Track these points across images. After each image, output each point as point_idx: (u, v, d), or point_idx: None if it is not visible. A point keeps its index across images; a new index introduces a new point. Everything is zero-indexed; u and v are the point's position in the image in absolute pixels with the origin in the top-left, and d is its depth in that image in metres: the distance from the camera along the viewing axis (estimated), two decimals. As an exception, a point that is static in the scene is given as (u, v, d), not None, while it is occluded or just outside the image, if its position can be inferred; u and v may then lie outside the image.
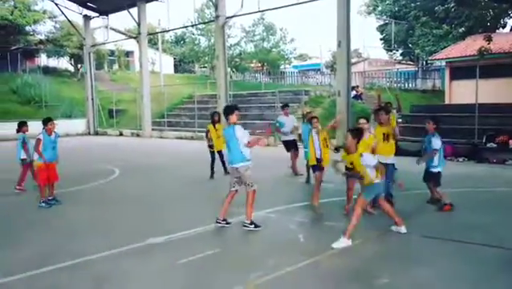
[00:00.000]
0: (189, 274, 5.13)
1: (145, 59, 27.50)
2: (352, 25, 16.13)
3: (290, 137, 11.91)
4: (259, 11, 22.56)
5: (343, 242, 5.84)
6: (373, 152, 7.31)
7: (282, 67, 43.72)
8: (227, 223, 6.92)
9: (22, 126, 10.06)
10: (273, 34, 42.35)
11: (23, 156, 9.88)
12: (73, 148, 20.27)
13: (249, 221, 6.73)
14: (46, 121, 8.76)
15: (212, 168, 11.51)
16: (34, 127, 10.49)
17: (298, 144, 11.84)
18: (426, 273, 5.01)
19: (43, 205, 8.50)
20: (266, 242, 6.27)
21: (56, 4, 28.98)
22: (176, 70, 48.86)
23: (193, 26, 40.03)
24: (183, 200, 9.17)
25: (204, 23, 38.20)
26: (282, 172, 11.83)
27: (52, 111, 29.77)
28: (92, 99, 30.54)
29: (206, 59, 42.77)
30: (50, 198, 8.71)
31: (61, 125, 27.83)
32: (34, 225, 7.49)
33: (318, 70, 41.80)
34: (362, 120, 7.63)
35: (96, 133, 30.35)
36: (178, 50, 49.02)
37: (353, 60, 26.64)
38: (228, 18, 21.94)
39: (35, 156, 8.65)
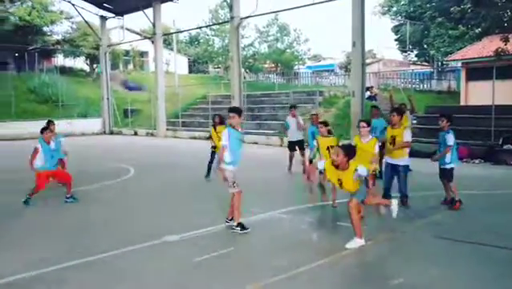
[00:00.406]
0: (204, 273, 5.19)
1: (160, 59, 27.69)
2: (367, 25, 16.10)
3: (295, 138, 12.06)
4: (273, 12, 22.66)
5: (356, 243, 5.84)
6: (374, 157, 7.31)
7: (295, 67, 43.68)
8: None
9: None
10: (287, 35, 42.36)
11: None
12: (89, 147, 20.53)
13: (235, 224, 6.68)
14: (43, 130, 8.76)
15: (209, 168, 11.51)
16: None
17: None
18: (441, 273, 5.01)
19: (24, 200, 8.56)
20: (279, 241, 6.29)
21: (73, 5, 29.37)
22: (191, 70, 49.13)
23: (207, 26, 40.22)
24: (197, 199, 9.24)
25: (218, 24, 38.38)
26: (293, 172, 11.85)
27: (68, 110, 30.25)
28: (108, 98, 30.87)
29: (220, 59, 42.95)
30: (68, 196, 8.85)
31: (77, 124, 28.56)
32: (51, 222, 7.62)
33: (332, 70, 41.68)
34: (362, 124, 7.52)
35: (111, 132, 30.67)
36: (192, 51, 49.31)
37: (367, 61, 26.52)
38: (242, 18, 22.00)
39: (36, 165, 8.57)
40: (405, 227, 6.82)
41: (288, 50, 42.35)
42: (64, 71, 37.91)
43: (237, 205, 6.66)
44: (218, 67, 46.98)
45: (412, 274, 5.01)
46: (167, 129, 27.54)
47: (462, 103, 23.91)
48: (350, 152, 5.90)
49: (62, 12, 37.53)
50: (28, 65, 36.12)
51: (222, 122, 11.41)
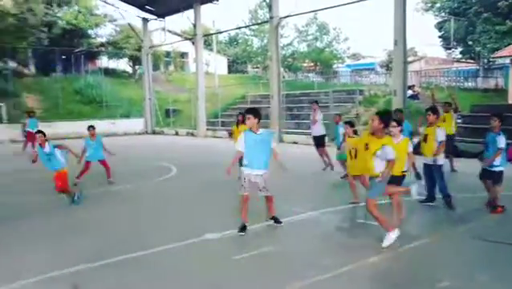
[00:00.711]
0: (244, 270, 5.25)
1: (200, 60, 28.04)
2: (408, 22, 15.79)
3: (317, 133, 12.27)
4: (312, 11, 22.51)
5: (390, 238, 5.77)
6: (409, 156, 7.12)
7: (334, 66, 43.27)
8: (277, 222, 7.00)
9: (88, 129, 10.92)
10: (326, 34, 42.04)
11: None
12: (132, 147, 21.06)
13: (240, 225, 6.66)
14: (36, 133, 8.85)
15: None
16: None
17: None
18: (487, 276, 4.88)
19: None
20: (319, 241, 6.29)
21: (117, 8, 30.23)
22: (230, 70, 49.53)
23: (246, 26, 40.43)
24: (238, 198, 9.31)
25: (258, 24, 38.52)
26: (334, 172, 11.77)
27: (112, 110, 31.14)
28: (150, 99, 31.56)
29: (259, 59, 43.10)
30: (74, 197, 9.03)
31: (120, 124, 29.36)
32: (90, 220, 7.83)
33: (373, 69, 41.04)
34: (392, 123, 7.14)
35: (153, 132, 31.31)
36: (231, 51, 49.70)
37: (409, 59, 25.95)
38: (281, 18, 21.98)
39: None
40: (449, 229, 6.66)
41: (327, 49, 42.04)
42: (108, 72, 39.07)
43: (242, 208, 6.72)
44: (257, 67, 47.18)
45: (457, 277, 4.90)
46: (207, 129, 27.88)
47: (510, 101, 22.98)
48: (386, 119, 5.77)
49: (106, 15, 38.71)
50: (74, 67, 37.46)
51: (244, 121, 11.49)
